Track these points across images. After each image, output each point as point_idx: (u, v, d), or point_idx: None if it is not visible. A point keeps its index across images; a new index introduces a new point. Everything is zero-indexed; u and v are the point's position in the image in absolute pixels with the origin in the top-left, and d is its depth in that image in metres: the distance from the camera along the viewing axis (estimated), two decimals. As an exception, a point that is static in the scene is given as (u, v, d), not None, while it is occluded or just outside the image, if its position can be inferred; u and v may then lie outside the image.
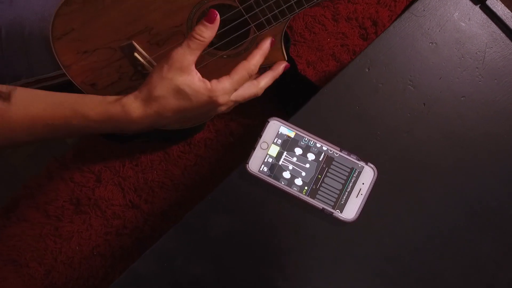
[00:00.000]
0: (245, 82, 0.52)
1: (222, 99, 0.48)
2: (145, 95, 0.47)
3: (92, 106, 0.48)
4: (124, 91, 0.59)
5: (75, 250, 1.17)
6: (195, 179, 1.19)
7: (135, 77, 0.57)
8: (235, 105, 0.54)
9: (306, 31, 1.21)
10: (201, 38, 0.48)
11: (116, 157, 1.20)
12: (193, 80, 0.48)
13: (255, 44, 0.56)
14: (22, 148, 1.23)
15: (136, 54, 0.54)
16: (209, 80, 0.50)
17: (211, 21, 0.48)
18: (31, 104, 0.47)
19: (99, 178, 1.19)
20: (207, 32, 0.48)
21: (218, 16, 0.49)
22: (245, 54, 0.58)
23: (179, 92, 0.47)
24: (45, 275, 1.16)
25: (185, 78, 0.47)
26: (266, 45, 0.55)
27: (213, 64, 0.59)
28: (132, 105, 0.47)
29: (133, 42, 0.55)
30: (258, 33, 0.56)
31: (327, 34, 1.21)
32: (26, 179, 1.21)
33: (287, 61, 0.60)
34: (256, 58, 0.53)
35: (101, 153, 1.20)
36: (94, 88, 0.57)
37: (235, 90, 0.51)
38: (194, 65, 0.49)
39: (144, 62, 0.55)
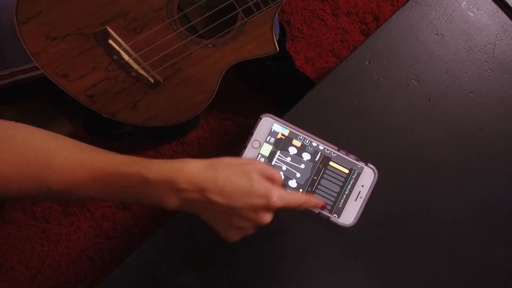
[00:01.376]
0: (297, 207, 0.48)
1: (275, 200, 0.44)
2: (209, 160, 0.44)
3: (153, 160, 0.43)
4: (99, 83, 0.55)
5: (63, 253, 1.16)
6: None
7: (111, 68, 0.54)
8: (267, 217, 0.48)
9: (304, 26, 1.20)
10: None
11: (106, 156, 1.18)
12: (258, 175, 0.45)
13: (244, 34, 0.53)
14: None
15: (110, 41, 0.51)
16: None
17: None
18: (74, 150, 0.44)
19: None
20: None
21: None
22: (233, 43, 0.54)
23: (244, 172, 0.44)
24: (31, 279, 1.15)
25: (254, 165, 0.45)
26: (324, 204, 0.52)
27: (197, 54, 0.56)
28: (192, 163, 0.43)
29: (107, 28, 0.52)
30: (246, 19, 0.53)
31: (327, 29, 1.20)
32: None
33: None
34: (314, 201, 0.49)
35: (90, 152, 1.18)
36: (66, 79, 0.53)
37: (287, 205, 0.46)
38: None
39: (120, 50, 0.52)
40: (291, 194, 0.46)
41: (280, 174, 0.47)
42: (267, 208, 0.44)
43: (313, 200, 0.49)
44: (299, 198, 0.47)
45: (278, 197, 0.44)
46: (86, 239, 1.16)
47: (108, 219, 1.16)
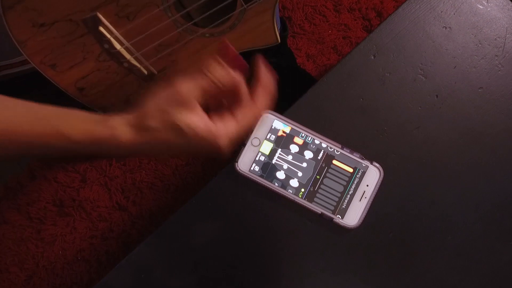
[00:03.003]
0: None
1: (223, 143, 0.44)
2: (137, 122, 0.44)
3: (76, 125, 0.44)
4: (90, 74, 0.53)
5: (58, 254, 1.16)
6: (186, 180, 1.18)
7: (102, 58, 0.52)
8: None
9: (306, 23, 1.19)
10: (211, 76, 0.44)
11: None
12: (193, 119, 0.43)
13: (243, 23, 0.50)
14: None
15: (101, 29, 0.49)
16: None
17: (226, 57, 0.44)
18: (5, 116, 0.43)
19: (84, 178, 1.18)
20: (220, 71, 0.44)
21: (240, 58, 0.44)
22: (231, 33, 0.52)
23: (175, 129, 0.42)
24: (26, 281, 1.15)
25: (185, 115, 0.43)
26: (265, 77, 0.49)
27: (194, 44, 0.54)
28: (122, 129, 0.43)
29: (98, 14, 0.50)
30: (245, 6, 0.51)
31: (328, 25, 1.19)
32: (7, 179, 1.20)
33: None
34: (263, 99, 0.48)
35: (86, 151, 1.17)
36: (54, 70, 0.51)
37: (239, 136, 0.46)
38: (198, 102, 0.44)
39: (111, 38, 0.50)
40: (238, 125, 0.45)
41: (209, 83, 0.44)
42: (220, 150, 0.44)
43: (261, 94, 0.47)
44: (248, 122, 0.46)
45: (226, 139, 0.43)
46: (82, 240, 1.16)
47: (105, 219, 1.17)
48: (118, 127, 0.43)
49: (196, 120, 0.43)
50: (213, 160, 1.17)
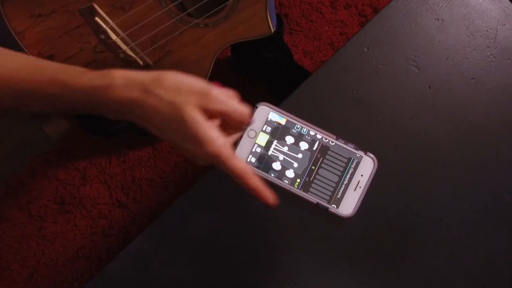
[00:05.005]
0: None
1: (210, 149, 0.39)
2: (141, 81, 0.41)
3: (75, 74, 0.42)
4: (87, 66, 0.54)
5: (59, 251, 1.15)
6: (186, 177, 1.17)
7: (99, 49, 0.52)
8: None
9: (302, 19, 1.19)
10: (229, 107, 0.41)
11: (102, 153, 1.18)
12: (199, 116, 0.40)
13: (237, 13, 0.51)
14: (3, 145, 1.21)
15: (97, 19, 0.49)
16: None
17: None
18: (4, 64, 0.43)
19: (84, 175, 1.17)
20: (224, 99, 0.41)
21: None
22: (225, 23, 0.52)
23: (178, 111, 0.39)
24: (27, 278, 1.14)
25: (193, 99, 0.40)
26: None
27: (189, 35, 0.54)
28: (121, 82, 0.41)
29: (94, 4, 0.50)
30: None
31: (325, 22, 1.19)
32: (8, 177, 1.19)
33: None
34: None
35: (86, 149, 1.18)
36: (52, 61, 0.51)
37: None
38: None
39: (107, 29, 0.50)
40: (228, 147, 0.41)
41: (240, 107, 0.41)
42: (201, 152, 0.40)
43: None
44: (236, 164, 0.40)
45: (216, 145, 0.39)
46: (82, 237, 1.16)
47: (105, 216, 1.16)
48: (118, 79, 0.40)
49: (200, 120, 0.40)
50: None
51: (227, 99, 0.41)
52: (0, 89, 0.43)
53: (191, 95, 0.39)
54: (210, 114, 0.40)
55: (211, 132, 0.39)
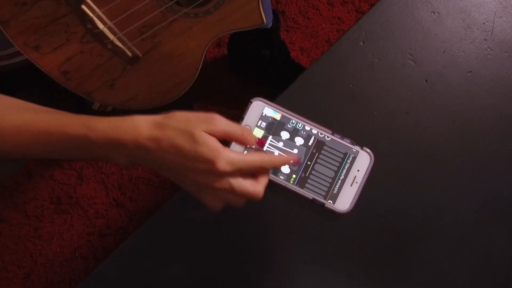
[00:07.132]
0: (254, 169, 0.46)
1: (222, 165, 0.42)
2: (160, 117, 0.44)
3: (99, 119, 0.44)
4: (74, 57, 0.53)
5: (56, 252, 1.16)
6: None
7: (86, 39, 0.51)
8: (229, 195, 0.46)
9: (299, 16, 1.19)
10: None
11: (98, 152, 1.17)
12: (208, 136, 0.44)
13: (228, 2, 0.50)
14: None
15: (83, 7, 0.48)
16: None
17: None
18: (19, 111, 0.44)
19: (81, 175, 1.18)
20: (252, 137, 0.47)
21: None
22: (216, 13, 0.52)
23: (189, 133, 0.43)
24: (24, 279, 1.15)
25: (202, 124, 0.44)
26: (294, 157, 0.50)
27: (179, 25, 0.53)
28: (142, 121, 0.43)
29: None
30: None
31: (322, 19, 1.19)
32: (4, 178, 1.19)
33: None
34: (277, 160, 0.48)
35: (82, 148, 1.17)
36: (38, 52, 0.51)
37: (240, 170, 0.44)
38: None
39: (94, 17, 0.50)
40: (244, 157, 0.44)
41: (244, 129, 0.46)
42: (214, 173, 0.42)
43: (276, 159, 0.47)
44: (254, 160, 0.44)
45: (226, 162, 0.42)
46: (79, 237, 1.16)
47: (102, 216, 1.16)
48: (140, 120, 0.43)
49: (211, 137, 0.43)
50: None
51: (230, 122, 0.45)
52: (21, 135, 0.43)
53: (199, 122, 0.43)
54: (218, 137, 0.43)
55: (220, 145, 0.43)
